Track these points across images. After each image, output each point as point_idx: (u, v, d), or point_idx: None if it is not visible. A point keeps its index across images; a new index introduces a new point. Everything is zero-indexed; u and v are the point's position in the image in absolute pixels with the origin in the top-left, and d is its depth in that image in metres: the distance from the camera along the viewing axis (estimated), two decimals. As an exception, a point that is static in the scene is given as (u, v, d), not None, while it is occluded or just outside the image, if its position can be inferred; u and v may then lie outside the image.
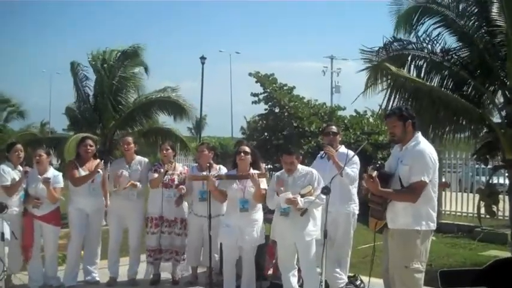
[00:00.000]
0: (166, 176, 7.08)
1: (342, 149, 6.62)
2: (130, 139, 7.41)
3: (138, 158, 7.37)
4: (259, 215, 6.37)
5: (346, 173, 6.10)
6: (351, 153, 6.40)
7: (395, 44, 8.88)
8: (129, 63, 13.90)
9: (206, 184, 6.47)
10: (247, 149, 6.37)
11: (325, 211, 5.44)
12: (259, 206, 6.38)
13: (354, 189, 6.38)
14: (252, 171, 6.23)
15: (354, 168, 6.34)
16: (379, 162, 5.01)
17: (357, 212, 6.55)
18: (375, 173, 4.90)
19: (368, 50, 8.90)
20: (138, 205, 7.22)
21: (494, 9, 8.19)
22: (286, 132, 15.87)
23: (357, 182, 6.29)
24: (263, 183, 6.25)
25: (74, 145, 12.22)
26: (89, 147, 7.17)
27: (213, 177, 6.33)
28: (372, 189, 4.95)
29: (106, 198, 7.37)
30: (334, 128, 6.74)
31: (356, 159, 6.38)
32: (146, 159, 7.45)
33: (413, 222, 4.88)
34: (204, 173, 6.68)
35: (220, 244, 6.51)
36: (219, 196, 6.36)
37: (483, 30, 8.73)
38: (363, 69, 8.77)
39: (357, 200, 6.51)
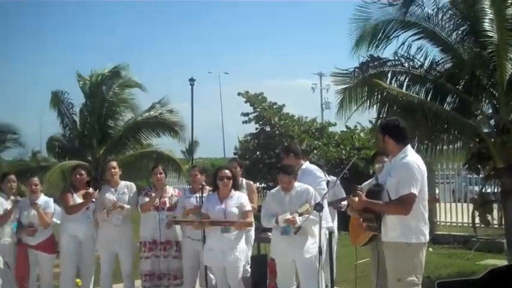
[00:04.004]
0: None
1: (306, 164, 6.74)
2: (114, 163, 7.37)
3: (124, 182, 7.31)
4: (242, 235, 6.32)
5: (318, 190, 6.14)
6: (314, 167, 6.67)
7: (375, 62, 8.72)
8: (118, 85, 13.61)
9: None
10: (228, 173, 6.33)
11: (319, 228, 5.43)
12: None
13: (325, 202, 6.19)
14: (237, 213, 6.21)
15: (322, 182, 6.44)
16: (359, 187, 5.08)
17: (330, 225, 6.53)
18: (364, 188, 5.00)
19: (342, 73, 8.84)
20: (125, 230, 7.09)
21: (486, 20, 8.18)
22: (278, 150, 15.91)
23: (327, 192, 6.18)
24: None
25: (57, 175, 12.17)
26: (78, 176, 7.13)
27: (197, 224, 6.34)
28: (359, 205, 4.97)
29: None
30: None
31: (319, 173, 6.60)
32: (132, 184, 7.40)
33: (401, 235, 4.79)
34: (196, 196, 6.75)
35: None
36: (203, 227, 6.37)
37: (471, 42, 8.65)
38: (339, 101, 8.71)
39: (328, 215, 6.46)
